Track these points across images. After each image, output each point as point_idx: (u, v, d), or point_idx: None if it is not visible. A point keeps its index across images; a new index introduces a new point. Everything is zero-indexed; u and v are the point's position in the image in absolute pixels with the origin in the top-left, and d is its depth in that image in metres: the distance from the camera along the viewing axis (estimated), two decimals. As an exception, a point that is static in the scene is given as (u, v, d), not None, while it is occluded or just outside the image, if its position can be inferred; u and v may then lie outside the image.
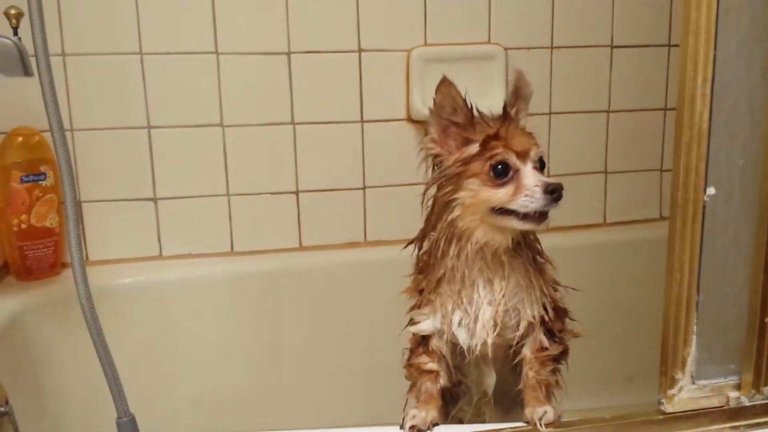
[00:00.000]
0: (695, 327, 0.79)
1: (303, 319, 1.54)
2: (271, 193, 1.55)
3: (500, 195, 0.82)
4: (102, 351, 1.09)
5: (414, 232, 0.93)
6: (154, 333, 1.46)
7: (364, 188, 1.59)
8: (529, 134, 0.86)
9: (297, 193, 1.56)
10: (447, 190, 0.86)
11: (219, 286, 1.51)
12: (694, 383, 0.80)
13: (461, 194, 0.84)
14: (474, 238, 0.85)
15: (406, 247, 0.94)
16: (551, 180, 0.81)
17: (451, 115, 0.86)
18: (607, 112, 1.70)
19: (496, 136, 0.84)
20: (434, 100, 0.86)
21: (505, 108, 0.88)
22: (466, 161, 0.85)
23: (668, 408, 0.80)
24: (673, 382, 0.80)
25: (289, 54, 1.50)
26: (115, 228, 1.50)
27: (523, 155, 0.83)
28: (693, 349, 0.79)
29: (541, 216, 0.81)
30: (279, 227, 1.56)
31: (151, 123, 1.47)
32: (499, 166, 0.82)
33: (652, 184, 1.76)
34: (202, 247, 1.53)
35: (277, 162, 1.54)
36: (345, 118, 1.55)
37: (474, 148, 0.85)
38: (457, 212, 0.85)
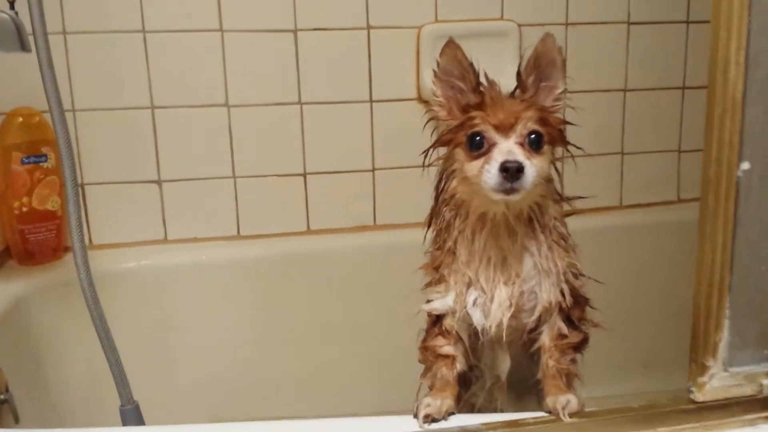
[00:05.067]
0: (728, 310, 0.74)
1: (311, 304, 1.52)
2: (278, 176, 1.52)
3: (471, 168, 0.80)
4: (104, 336, 1.07)
5: (425, 215, 0.90)
6: (159, 318, 1.44)
7: (373, 170, 1.56)
8: (526, 106, 0.80)
9: (304, 175, 1.53)
10: (445, 158, 0.85)
11: (225, 271, 1.49)
12: (726, 370, 0.76)
13: (455, 164, 0.83)
14: (472, 208, 0.83)
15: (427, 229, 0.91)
16: (513, 158, 0.76)
17: (456, 79, 0.83)
18: (624, 90, 1.66)
19: (479, 105, 0.81)
20: (438, 63, 0.84)
21: (518, 75, 0.84)
22: (456, 130, 0.82)
23: (698, 397, 0.76)
24: (703, 369, 0.75)
25: (295, 31, 1.47)
26: (119, 211, 1.48)
27: (504, 128, 0.79)
28: (725, 334, 0.75)
29: (504, 188, 0.77)
30: (286, 210, 1.54)
31: (155, 103, 1.45)
32: (476, 138, 0.80)
33: (669, 165, 1.73)
34: (208, 231, 1.52)
35: (284, 143, 1.52)
36: (353, 97, 1.53)
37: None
38: (454, 183, 0.84)
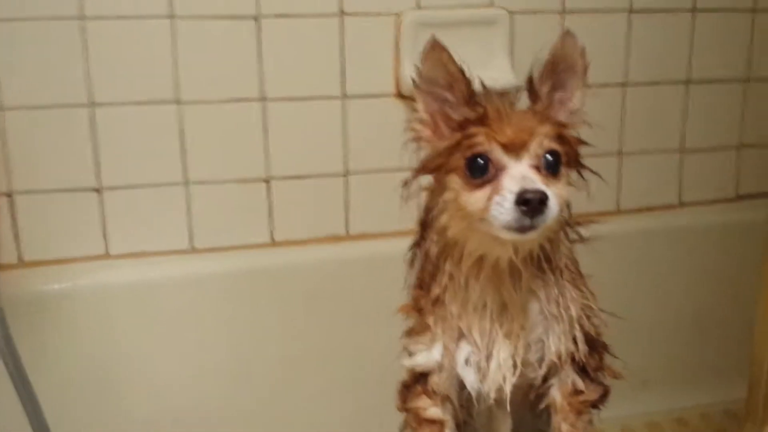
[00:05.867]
0: (793, 372, 0.60)
1: (276, 326, 1.44)
2: (237, 181, 1.43)
3: (474, 200, 0.67)
4: (20, 385, 0.90)
5: (403, 224, 0.84)
6: (100, 346, 1.34)
7: (346, 175, 1.48)
8: (541, 120, 0.69)
9: (268, 180, 1.44)
10: (433, 188, 0.74)
11: (177, 290, 1.40)
12: (784, 445, 0.62)
13: (446, 195, 0.71)
14: (467, 250, 0.71)
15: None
16: (533, 187, 0.64)
17: (443, 90, 0.71)
18: (624, 85, 1.58)
19: (481, 120, 0.68)
20: (419, 70, 0.71)
21: (529, 82, 0.72)
22: (449, 152, 0.70)
23: (752, 476, 0.62)
24: (759, 441, 0.62)
25: (258, 18, 1.38)
26: (54, 222, 1.37)
27: (513, 148, 0.67)
28: (787, 401, 0.61)
29: (522, 226, 0.65)
30: (247, 220, 1.45)
31: (95, 99, 1.34)
32: (478, 161, 0.67)
33: (671, 166, 1.65)
34: (156, 245, 1.42)
35: (244, 144, 1.42)
36: (324, 92, 1.44)
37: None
38: (444, 218, 0.72)
